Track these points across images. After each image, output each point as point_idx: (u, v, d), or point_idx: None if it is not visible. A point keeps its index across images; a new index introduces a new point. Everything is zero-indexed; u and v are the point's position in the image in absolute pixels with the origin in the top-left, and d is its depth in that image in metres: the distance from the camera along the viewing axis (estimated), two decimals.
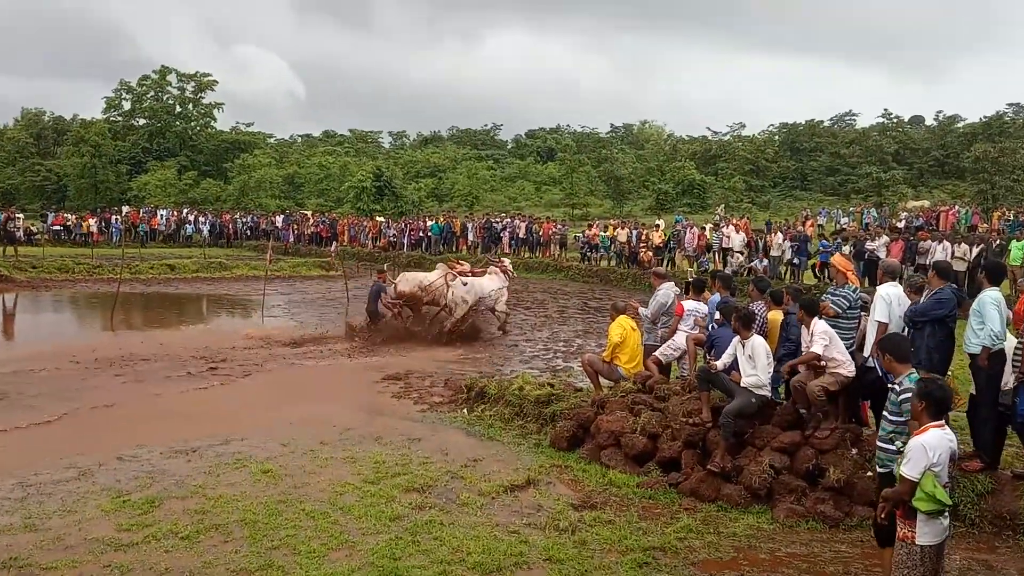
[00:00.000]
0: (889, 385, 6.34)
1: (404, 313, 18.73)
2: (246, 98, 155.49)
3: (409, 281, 18.99)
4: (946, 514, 5.30)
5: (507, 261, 21.58)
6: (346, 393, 13.29)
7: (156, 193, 66.46)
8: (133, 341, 17.90)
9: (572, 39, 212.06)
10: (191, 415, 11.63)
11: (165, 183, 68.41)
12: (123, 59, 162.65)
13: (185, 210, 55.73)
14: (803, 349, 8.77)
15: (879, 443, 6.28)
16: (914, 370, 6.25)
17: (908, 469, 5.25)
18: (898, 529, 5.45)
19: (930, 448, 5.21)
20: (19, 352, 16.45)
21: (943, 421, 5.40)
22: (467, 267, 20.10)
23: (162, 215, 52.24)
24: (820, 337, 8.40)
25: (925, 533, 5.28)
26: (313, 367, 15.53)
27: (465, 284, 18.96)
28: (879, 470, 6.27)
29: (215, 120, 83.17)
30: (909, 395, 5.83)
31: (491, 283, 19.72)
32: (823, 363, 8.46)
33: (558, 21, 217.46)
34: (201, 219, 51.90)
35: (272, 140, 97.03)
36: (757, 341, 8.74)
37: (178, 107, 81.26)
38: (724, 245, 28.63)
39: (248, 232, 52.08)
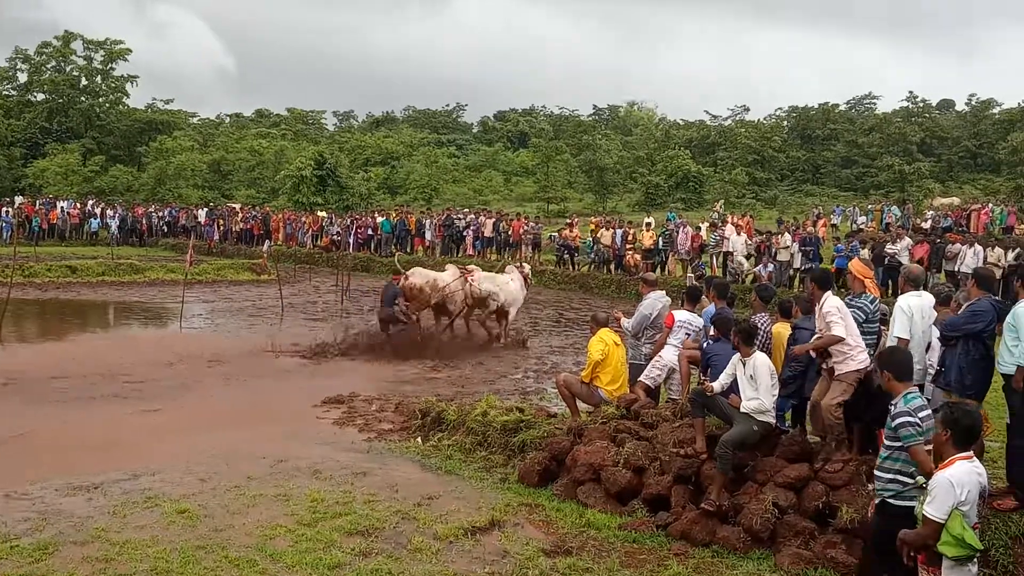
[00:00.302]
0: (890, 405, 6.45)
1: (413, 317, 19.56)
2: (165, 71, 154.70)
3: (421, 275, 19.95)
4: (976, 560, 5.33)
5: (528, 267, 22.24)
6: (279, 419, 13.17)
7: (56, 181, 65.74)
8: (24, 357, 17.65)
9: (548, 7, 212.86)
10: (93, 445, 11.46)
11: (67, 170, 67.69)
12: (13, 17, 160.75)
13: (90, 202, 55.20)
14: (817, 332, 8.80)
15: (876, 470, 6.41)
16: (914, 389, 6.35)
17: (933, 509, 5.27)
18: None
19: (957, 484, 5.23)
20: None
21: (971, 452, 5.43)
22: (479, 272, 20.72)
23: (62, 208, 51.66)
24: (834, 317, 8.40)
25: None
26: (239, 388, 15.41)
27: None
28: (875, 501, 6.35)
29: (128, 96, 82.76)
30: (905, 418, 5.99)
31: (515, 286, 20.59)
32: (830, 359, 8.48)
33: None
34: (109, 212, 51.43)
35: (195, 120, 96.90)
36: (760, 359, 8.77)
37: (84, 80, 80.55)
38: (725, 248, 28.79)
39: (165, 228, 51.73)
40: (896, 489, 6.14)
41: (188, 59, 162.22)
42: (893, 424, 6.17)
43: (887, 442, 6.24)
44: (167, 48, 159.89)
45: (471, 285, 19.75)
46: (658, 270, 29.65)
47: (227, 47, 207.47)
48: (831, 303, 8.55)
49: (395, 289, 19.30)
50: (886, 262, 23.27)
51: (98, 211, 51.84)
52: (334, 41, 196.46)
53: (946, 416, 5.51)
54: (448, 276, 20.23)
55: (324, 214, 47.99)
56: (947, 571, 5.29)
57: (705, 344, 10.33)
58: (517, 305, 20.74)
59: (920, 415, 6.12)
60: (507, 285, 20.35)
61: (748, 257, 28.14)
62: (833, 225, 41.52)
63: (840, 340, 8.39)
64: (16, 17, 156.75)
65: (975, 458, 5.46)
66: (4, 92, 79.40)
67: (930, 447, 6.02)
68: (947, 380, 7.97)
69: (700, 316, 11.09)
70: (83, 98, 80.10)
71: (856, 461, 8.48)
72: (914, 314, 8.45)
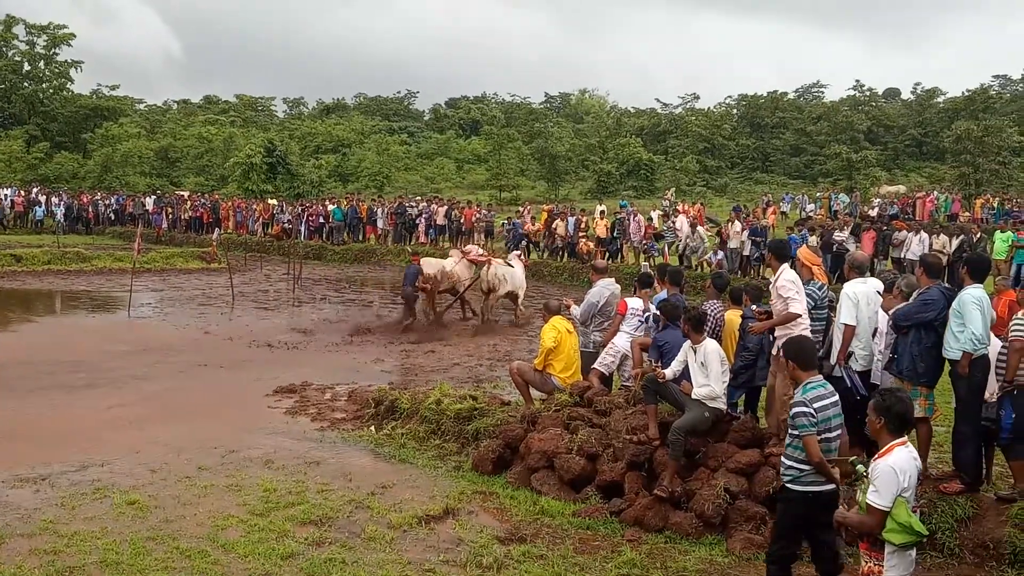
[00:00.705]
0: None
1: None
2: (110, 56, 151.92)
3: (432, 264, 21.34)
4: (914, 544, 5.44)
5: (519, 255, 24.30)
6: (231, 409, 13.10)
7: None
8: None
9: None
10: (41, 436, 11.31)
11: (10, 156, 66.48)
12: None
13: (35, 189, 54.13)
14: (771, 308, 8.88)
15: (782, 456, 6.57)
16: (816, 378, 6.50)
17: (878, 498, 5.31)
18: (863, 564, 5.61)
19: (900, 471, 5.29)
20: None
21: (906, 438, 5.52)
22: (477, 251, 22.73)
23: (6, 195, 50.66)
24: (791, 292, 8.48)
25: (894, 567, 5.37)
26: (190, 378, 15.26)
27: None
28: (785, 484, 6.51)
29: (72, 82, 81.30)
30: (800, 408, 6.21)
31: (520, 271, 22.11)
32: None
33: None
34: (55, 200, 50.47)
35: (142, 107, 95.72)
36: (710, 346, 8.82)
37: (27, 65, 78.98)
38: (680, 238, 28.87)
39: (112, 216, 50.92)
40: (793, 475, 6.30)
41: (134, 45, 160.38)
42: (791, 413, 6.37)
43: (789, 430, 6.41)
44: (112, 34, 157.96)
45: (488, 271, 21.18)
46: (610, 258, 29.73)
47: (174, 32, 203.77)
48: (787, 276, 8.63)
49: (415, 268, 20.68)
50: (834, 249, 23.55)
51: (43, 199, 50.90)
52: (283, 27, 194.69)
53: (878, 404, 5.54)
54: (450, 262, 21.80)
55: (275, 202, 47.55)
56: (890, 557, 5.35)
57: (655, 332, 10.39)
58: (523, 289, 22.12)
59: (815, 405, 6.23)
60: (514, 272, 21.78)
61: (697, 249, 28.18)
62: (783, 213, 42.01)
63: (798, 317, 8.48)
64: None
65: (909, 443, 5.53)
66: None
67: (822, 436, 6.20)
68: (899, 368, 8.10)
69: (652, 303, 11.14)
70: (26, 84, 78.65)
71: None
72: (860, 300, 8.59)
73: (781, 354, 7.50)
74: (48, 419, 12.25)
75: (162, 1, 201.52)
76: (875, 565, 5.45)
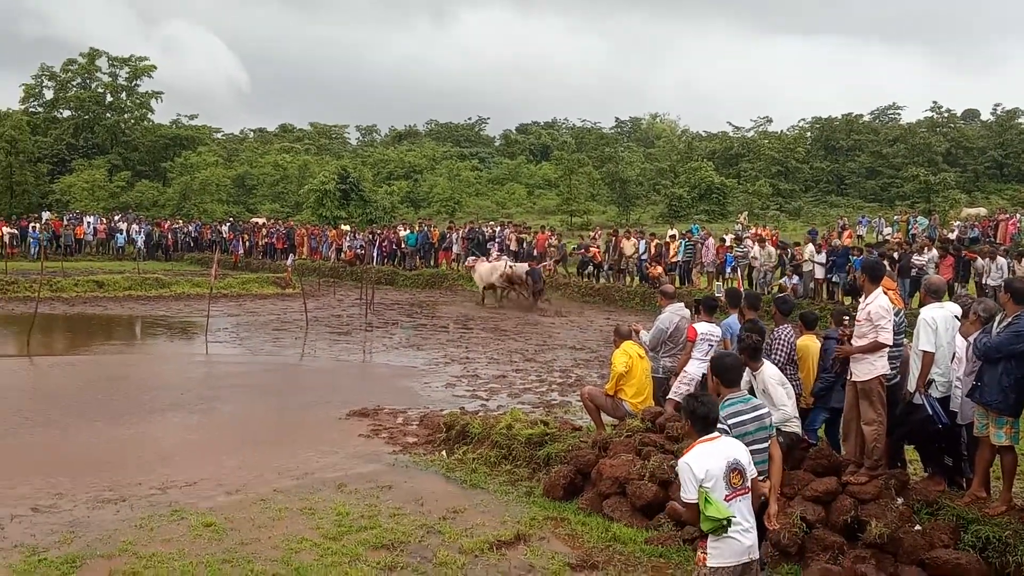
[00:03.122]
0: None
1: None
2: (187, 87, 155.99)
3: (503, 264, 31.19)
4: (748, 530, 5.69)
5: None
6: (304, 432, 13.23)
7: (82, 197, 66.27)
8: (53, 371, 17.81)
9: (567, 18, 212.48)
10: (119, 458, 11.56)
11: (93, 185, 68.22)
12: (32, 37, 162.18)
13: (116, 217, 55.66)
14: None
15: None
16: (738, 394, 6.76)
17: (683, 493, 5.67)
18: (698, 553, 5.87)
19: (696, 465, 5.60)
20: None
21: (716, 434, 5.85)
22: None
23: (89, 223, 52.13)
24: (884, 320, 8.27)
25: (715, 552, 5.64)
26: (265, 401, 15.48)
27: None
28: None
29: (152, 112, 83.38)
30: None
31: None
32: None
33: None
34: (135, 228, 51.81)
35: (219, 135, 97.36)
36: (767, 371, 8.52)
37: (109, 96, 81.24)
38: (748, 260, 28.61)
39: (190, 243, 52.02)
40: None
41: (209, 76, 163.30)
42: None
43: None
44: (188, 65, 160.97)
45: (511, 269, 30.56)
46: (679, 282, 29.53)
47: (250, 64, 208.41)
48: (881, 302, 8.38)
49: (538, 270, 30.51)
50: (913, 274, 23.08)
51: (124, 226, 52.22)
52: (356, 56, 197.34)
53: (685, 408, 6.00)
54: (502, 264, 31.36)
55: (347, 228, 48.14)
56: (710, 543, 5.64)
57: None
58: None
59: (730, 421, 6.45)
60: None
61: (775, 268, 27.95)
62: (859, 236, 41.26)
63: (886, 347, 8.31)
64: (37, 36, 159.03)
65: (720, 438, 5.85)
66: (31, 109, 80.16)
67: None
68: (987, 398, 7.82)
69: (719, 326, 11.00)
70: (108, 114, 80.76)
71: (885, 475, 8.43)
72: (938, 326, 8.37)
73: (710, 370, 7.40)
74: (127, 442, 12.51)
75: (236, 33, 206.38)
76: (701, 553, 5.74)
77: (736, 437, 6.29)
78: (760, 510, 6.44)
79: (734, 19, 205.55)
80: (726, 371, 6.79)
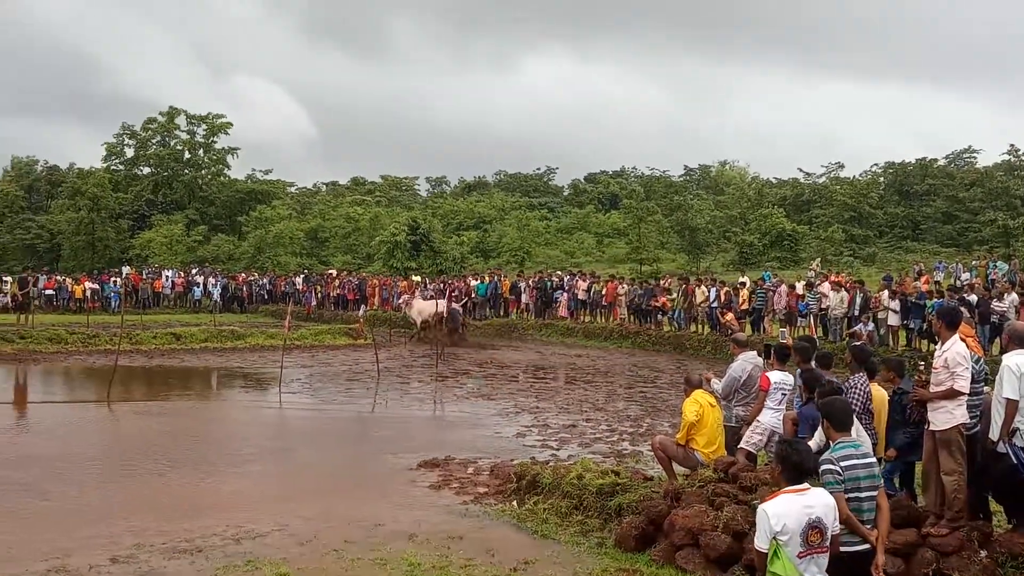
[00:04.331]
0: None
1: None
2: (260, 143, 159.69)
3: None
4: None
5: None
6: (375, 482, 13.30)
7: (161, 251, 68.13)
8: (131, 421, 18.20)
9: (623, 66, 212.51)
10: (196, 507, 11.70)
11: (171, 240, 70.08)
12: (106, 95, 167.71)
13: (194, 270, 56.93)
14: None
15: None
16: (847, 438, 6.57)
17: (756, 539, 5.59)
18: None
19: (773, 515, 5.47)
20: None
21: (805, 486, 5.66)
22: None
23: (167, 276, 53.40)
24: (962, 369, 8.10)
25: None
26: (337, 452, 15.61)
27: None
28: None
29: (228, 167, 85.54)
30: (827, 466, 6.30)
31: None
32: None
33: (607, 44, 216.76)
34: (211, 281, 52.94)
35: (293, 189, 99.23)
36: None
37: (187, 153, 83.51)
38: (822, 306, 28.22)
39: (265, 295, 52.95)
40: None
41: (281, 129, 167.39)
42: (820, 471, 6.40)
43: None
44: (261, 119, 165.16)
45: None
46: (751, 329, 29.23)
47: (320, 117, 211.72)
48: (959, 349, 8.22)
49: (457, 310, 34.60)
50: (992, 320, 22.52)
51: (200, 280, 53.38)
52: (425, 107, 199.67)
53: (778, 452, 5.88)
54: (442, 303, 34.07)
55: (418, 278, 48.62)
56: None
57: (799, 405, 10.11)
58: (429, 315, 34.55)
59: (842, 464, 6.31)
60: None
61: (846, 316, 27.48)
62: (936, 282, 40.43)
63: (962, 395, 8.13)
64: (111, 93, 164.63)
65: (809, 491, 5.65)
66: (112, 167, 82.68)
67: (850, 495, 6.28)
68: None
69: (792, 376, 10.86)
70: (186, 171, 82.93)
71: (967, 526, 8.20)
72: (1023, 373, 8.16)
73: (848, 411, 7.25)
74: (203, 492, 12.68)
75: (300, 86, 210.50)
76: None
77: (846, 482, 6.22)
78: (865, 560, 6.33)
79: (799, 63, 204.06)
80: (837, 415, 6.69)
